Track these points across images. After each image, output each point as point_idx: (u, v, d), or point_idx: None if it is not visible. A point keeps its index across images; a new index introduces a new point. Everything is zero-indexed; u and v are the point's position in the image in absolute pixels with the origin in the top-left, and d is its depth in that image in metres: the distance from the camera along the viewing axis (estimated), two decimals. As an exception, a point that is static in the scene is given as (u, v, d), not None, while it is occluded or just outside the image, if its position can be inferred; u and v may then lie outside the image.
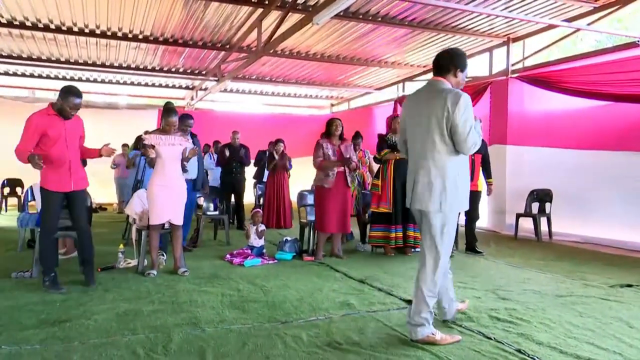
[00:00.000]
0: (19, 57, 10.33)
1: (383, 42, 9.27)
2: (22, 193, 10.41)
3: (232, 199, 8.70)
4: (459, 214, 3.18)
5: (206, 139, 7.16)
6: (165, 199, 4.79)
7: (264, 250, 5.92)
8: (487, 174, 6.45)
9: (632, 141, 6.84)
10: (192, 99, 14.31)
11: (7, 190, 11.04)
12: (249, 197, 10.02)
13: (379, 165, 6.30)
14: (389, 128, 6.25)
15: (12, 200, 11.19)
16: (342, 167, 5.74)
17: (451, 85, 3.02)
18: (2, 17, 7.97)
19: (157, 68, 11.50)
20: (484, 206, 8.02)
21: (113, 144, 4.48)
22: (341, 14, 7.27)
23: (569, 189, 7.58)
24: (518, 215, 7.84)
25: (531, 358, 2.78)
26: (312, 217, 6.34)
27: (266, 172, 9.12)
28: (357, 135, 7.47)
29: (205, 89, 12.92)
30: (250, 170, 9.07)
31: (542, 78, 8.05)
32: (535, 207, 7.85)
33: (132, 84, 13.25)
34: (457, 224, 3.25)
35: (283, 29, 7.34)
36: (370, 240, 6.28)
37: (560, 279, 4.87)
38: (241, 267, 5.27)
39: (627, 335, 3.20)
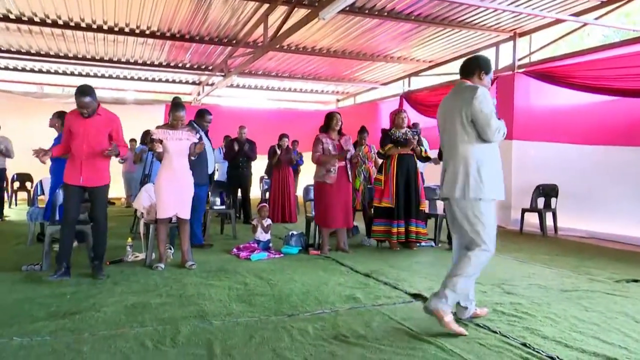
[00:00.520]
0: (28, 53, 10.40)
1: (389, 37, 9.25)
2: (31, 187, 10.49)
3: (239, 194, 8.75)
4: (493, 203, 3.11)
5: (212, 134, 7.19)
6: (172, 193, 4.84)
7: (271, 244, 5.96)
8: None
9: (639, 137, 6.81)
10: (198, 94, 14.35)
11: (17, 184, 11.11)
12: (256, 191, 10.06)
13: (382, 160, 6.32)
14: (392, 123, 6.26)
15: (22, 195, 11.29)
16: (344, 162, 5.72)
17: None
18: (11, 12, 8.03)
19: (164, 63, 11.54)
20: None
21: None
22: (347, 8, 7.25)
23: (575, 184, 7.55)
24: (524, 210, 7.84)
25: (536, 352, 2.78)
26: (316, 212, 6.36)
27: None
28: (362, 130, 7.47)
29: (212, 84, 12.94)
30: (256, 165, 9.09)
31: (548, 73, 8.01)
32: (540, 202, 7.85)
33: (139, 79, 13.28)
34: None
35: (289, 24, 7.36)
36: (372, 234, 6.27)
37: (565, 274, 4.88)
38: (248, 261, 5.32)
39: (632, 329, 3.20)
